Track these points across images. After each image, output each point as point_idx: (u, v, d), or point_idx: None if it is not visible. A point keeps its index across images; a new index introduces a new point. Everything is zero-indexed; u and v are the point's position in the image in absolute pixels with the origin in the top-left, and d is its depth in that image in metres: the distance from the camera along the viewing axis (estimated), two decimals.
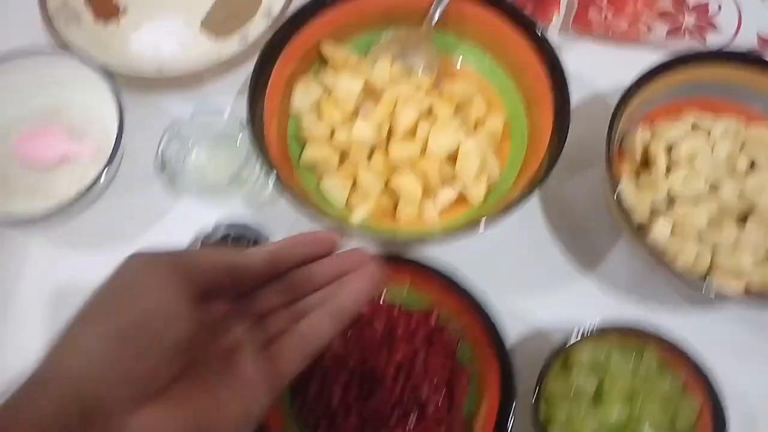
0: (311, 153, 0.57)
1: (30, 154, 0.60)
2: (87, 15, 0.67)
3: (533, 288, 0.60)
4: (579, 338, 0.52)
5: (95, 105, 0.61)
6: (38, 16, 0.63)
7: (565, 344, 0.52)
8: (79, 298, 0.30)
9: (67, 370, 0.28)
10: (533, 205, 0.62)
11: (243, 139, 0.59)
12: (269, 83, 0.57)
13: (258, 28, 0.65)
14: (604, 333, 0.53)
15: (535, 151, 0.57)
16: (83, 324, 0.29)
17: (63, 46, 0.62)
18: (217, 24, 0.68)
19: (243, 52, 0.63)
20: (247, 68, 0.58)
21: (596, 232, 0.62)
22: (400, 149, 0.56)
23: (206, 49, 0.67)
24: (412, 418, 0.51)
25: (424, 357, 0.53)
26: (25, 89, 0.61)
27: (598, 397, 0.52)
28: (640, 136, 0.59)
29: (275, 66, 0.57)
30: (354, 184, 0.57)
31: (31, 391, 0.28)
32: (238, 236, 0.57)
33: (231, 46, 0.65)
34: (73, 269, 0.59)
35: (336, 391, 0.51)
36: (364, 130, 0.56)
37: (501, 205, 0.54)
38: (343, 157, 0.58)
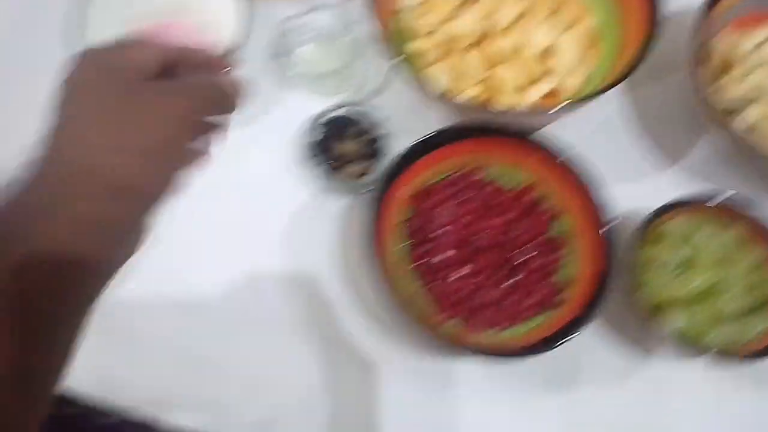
0: (418, 44, 0.62)
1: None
2: None
3: (619, 180, 0.62)
4: (670, 209, 0.56)
5: (212, 7, 0.67)
6: None
7: (659, 213, 0.56)
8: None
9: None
10: (618, 107, 0.67)
11: (351, 36, 0.64)
12: None
13: None
14: (694, 206, 0.57)
15: (623, 54, 0.61)
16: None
17: None
18: None
19: None
20: None
21: (676, 132, 0.66)
22: (500, 41, 0.60)
23: None
24: (513, 277, 0.56)
25: (523, 225, 0.57)
26: None
27: (685, 265, 0.56)
28: (723, 38, 0.63)
29: None
30: (455, 73, 0.61)
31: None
32: (352, 118, 0.61)
33: None
34: None
35: (445, 251, 0.56)
36: (469, 21, 0.61)
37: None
38: (446, 49, 0.62)
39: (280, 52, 0.64)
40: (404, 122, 0.64)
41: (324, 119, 0.61)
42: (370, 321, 0.58)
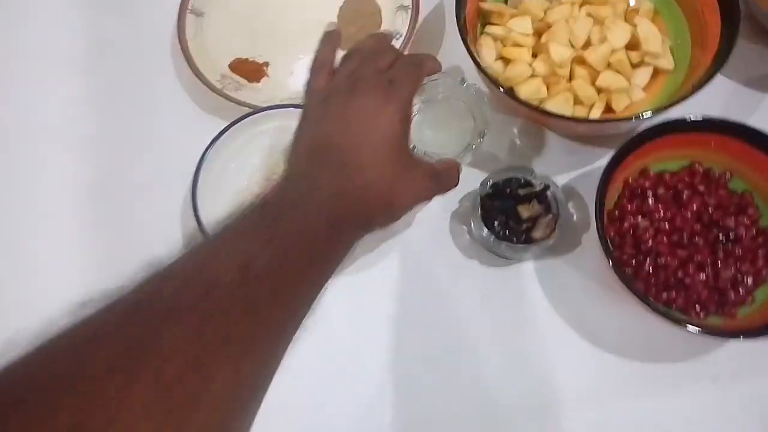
0: (525, 90, 0.64)
1: None
2: (243, 80, 0.71)
3: None
4: None
5: None
6: (210, 93, 0.68)
7: None
8: None
9: None
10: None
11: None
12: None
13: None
14: None
15: (692, 20, 0.67)
16: None
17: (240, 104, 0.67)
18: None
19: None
20: None
21: None
22: (593, 54, 0.64)
23: None
24: (730, 245, 0.59)
25: (710, 198, 0.61)
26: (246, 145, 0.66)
27: None
28: None
29: (468, 34, 0.64)
30: (569, 99, 0.64)
31: None
32: (508, 179, 0.63)
33: None
34: None
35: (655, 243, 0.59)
36: (561, 51, 0.64)
37: (691, 66, 0.64)
38: (547, 84, 0.65)
39: None
40: (551, 162, 0.68)
41: (483, 195, 0.62)
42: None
